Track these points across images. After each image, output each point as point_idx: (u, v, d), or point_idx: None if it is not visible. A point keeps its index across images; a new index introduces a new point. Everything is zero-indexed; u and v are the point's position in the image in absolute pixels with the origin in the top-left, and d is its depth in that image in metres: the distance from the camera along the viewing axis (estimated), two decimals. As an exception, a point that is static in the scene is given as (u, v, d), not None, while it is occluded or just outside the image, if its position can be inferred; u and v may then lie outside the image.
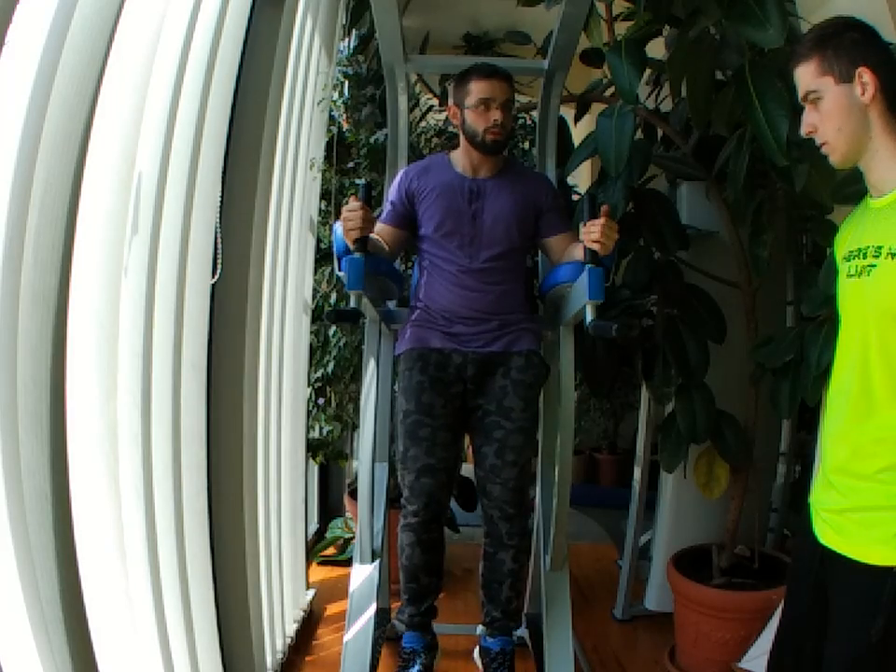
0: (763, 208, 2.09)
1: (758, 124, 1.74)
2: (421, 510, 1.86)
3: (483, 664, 2.00)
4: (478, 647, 2.03)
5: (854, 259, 1.19)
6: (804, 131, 1.21)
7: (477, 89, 1.85)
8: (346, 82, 2.68)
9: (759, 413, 2.29)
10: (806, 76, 1.17)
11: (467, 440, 2.01)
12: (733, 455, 2.27)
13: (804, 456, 2.86)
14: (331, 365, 2.85)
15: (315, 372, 2.86)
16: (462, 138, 1.93)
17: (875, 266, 1.13)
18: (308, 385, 2.76)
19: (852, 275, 1.19)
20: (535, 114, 2.42)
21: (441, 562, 1.98)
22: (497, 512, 1.90)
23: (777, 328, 2.34)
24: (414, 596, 1.95)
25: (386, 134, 2.39)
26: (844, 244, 1.25)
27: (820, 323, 1.91)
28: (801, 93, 1.20)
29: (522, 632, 2.39)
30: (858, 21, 1.18)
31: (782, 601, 1.38)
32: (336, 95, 2.68)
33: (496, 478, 1.87)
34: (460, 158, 1.94)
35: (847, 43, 1.14)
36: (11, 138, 0.99)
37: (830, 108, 1.16)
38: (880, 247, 1.13)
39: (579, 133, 2.46)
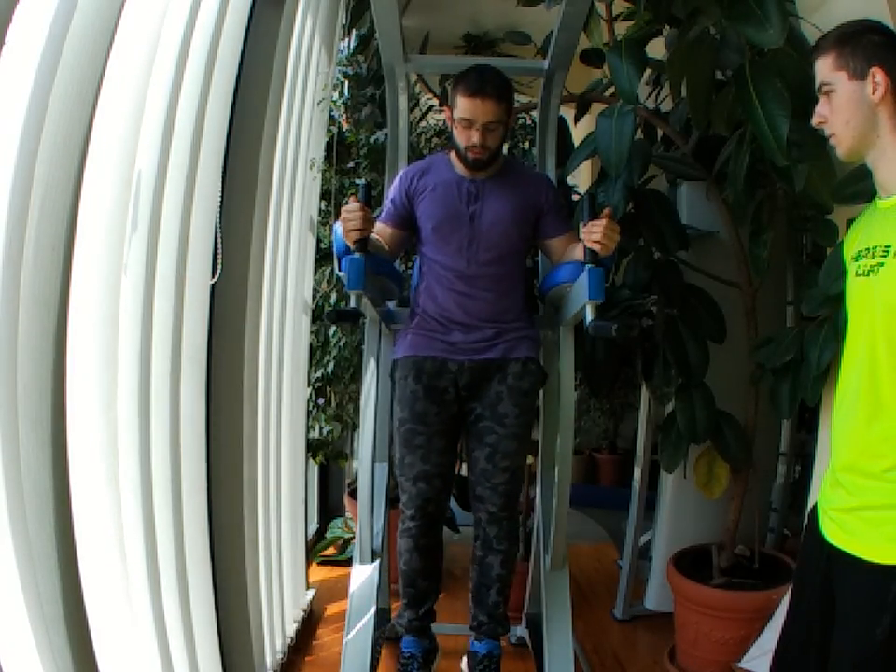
0: (763, 208, 2.09)
1: (758, 124, 1.74)
2: (418, 514, 1.88)
3: (469, 666, 2.01)
4: (465, 655, 2.05)
5: (862, 258, 1.20)
6: (814, 121, 1.24)
7: (461, 106, 1.78)
8: (346, 82, 2.68)
9: (759, 413, 2.29)
10: (823, 68, 1.21)
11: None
12: (733, 455, 2.27)
13: (804, 456, 2.86)
14: (331, 365, 2.85)
15: (315, 372, 2.86)
16: None
17: (882, 265, 1.15)
18: (308, 385, 2.76)
19: (860, 275, 1.20)
20: (535, 114, 2.42)
21: (439, 566, 2.00)
22: (486, 516, 1.91)
23: (777, 328, 2.34)
24: (413, 600, 1.97)
25: (386, 134, 2.39)
26: (853, 244, 1.26)
27: (820, 323, 1.91)
28: (816, 84, 1.23)
29: (522, 632, 2.39)
30: (883, 26, 1.21)
31: (785, 600, 1.38)
32: (336, 95, 2.69)
33: (486, 482, 1.89)
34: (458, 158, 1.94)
35: (867, 43, 1.17)
36: (11, 138, 0.99)
37: (840, 102, 1.19)
38: (888, 246, 1.14)
39: (579, 133, 2.46)
